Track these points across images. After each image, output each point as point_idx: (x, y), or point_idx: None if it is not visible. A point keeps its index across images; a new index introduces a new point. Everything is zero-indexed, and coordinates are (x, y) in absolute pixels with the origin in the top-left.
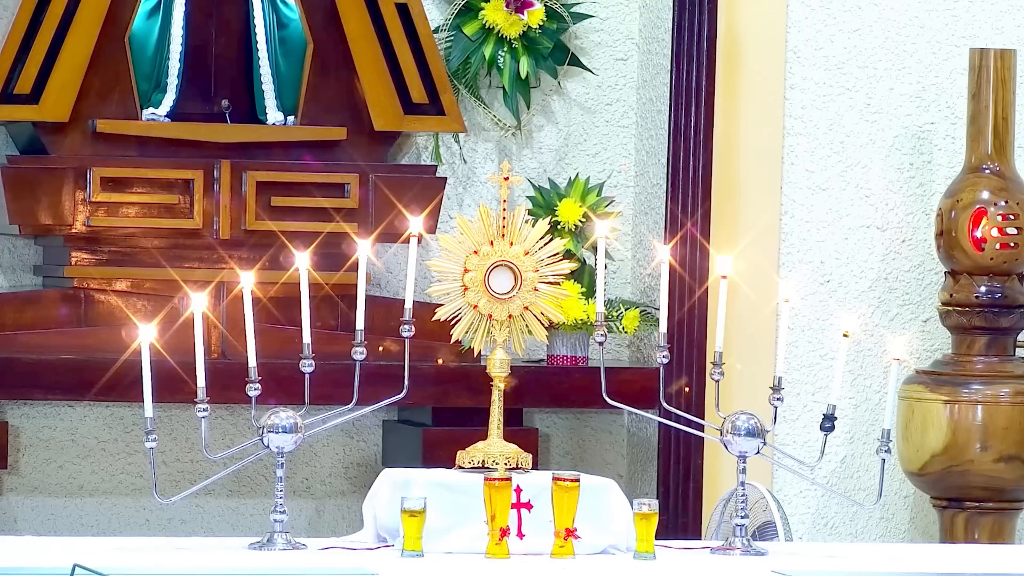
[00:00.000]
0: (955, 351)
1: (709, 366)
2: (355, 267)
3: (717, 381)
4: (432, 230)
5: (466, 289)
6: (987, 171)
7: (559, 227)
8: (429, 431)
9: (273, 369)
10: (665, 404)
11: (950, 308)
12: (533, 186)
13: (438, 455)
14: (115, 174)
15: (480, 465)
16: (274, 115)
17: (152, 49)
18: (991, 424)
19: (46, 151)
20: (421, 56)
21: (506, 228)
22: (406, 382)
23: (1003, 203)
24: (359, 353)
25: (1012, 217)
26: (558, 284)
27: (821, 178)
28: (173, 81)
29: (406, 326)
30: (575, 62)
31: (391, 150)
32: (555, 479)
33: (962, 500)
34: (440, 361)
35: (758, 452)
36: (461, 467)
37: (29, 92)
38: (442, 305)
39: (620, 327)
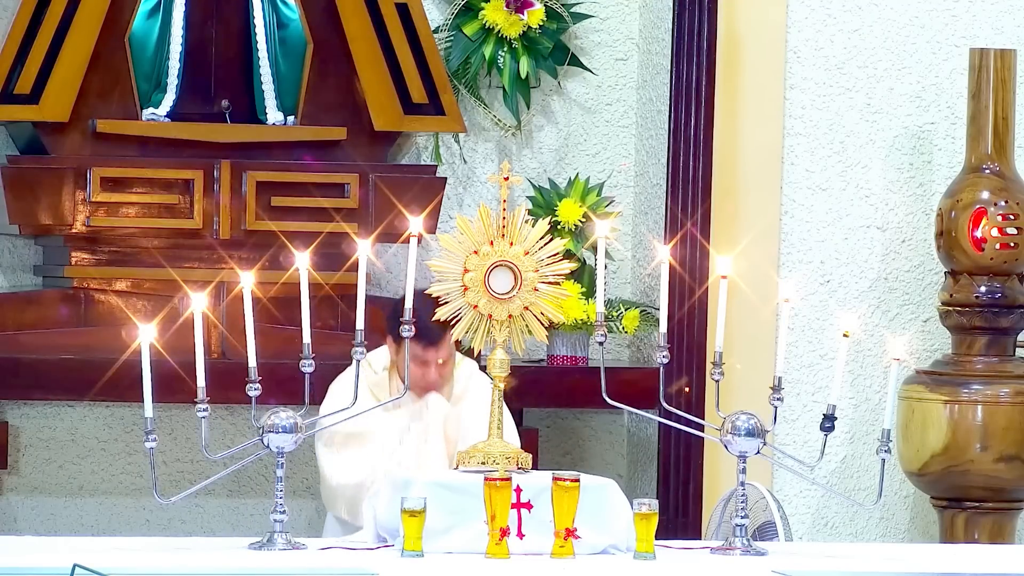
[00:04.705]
0: (955, 351)
1: (709, 366)
2: (355, 267)
3: (717, 381)
4: (432, 230)
5: (466, 289)
6: (987, 171)
7: (559, 227)
8: None
9: (273, 369)
10: (665, 404)
11: (950, 308)
12: (533, 186)
13: None
14: (115, 174)
15: (480, 465)
16: (274, 115)
17: (152, 49)
18: (991, 424)
19: (46, 151)
20: (421, 56)
21: (506, 228)
22: (406, 382)
23: (1003, 203)
24: (359, 353)
25: (1012, 217)
26: (558, 284)
27: (821, 178)
28: (173, 81)
29: (406, 326)
30: (575, 62)
31: (391, 150)
32: (555, 479)
33: (962, 500)
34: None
35: (758, 452)
36: (461, 467)
37: (29, 92)
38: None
39: (620, 327)
